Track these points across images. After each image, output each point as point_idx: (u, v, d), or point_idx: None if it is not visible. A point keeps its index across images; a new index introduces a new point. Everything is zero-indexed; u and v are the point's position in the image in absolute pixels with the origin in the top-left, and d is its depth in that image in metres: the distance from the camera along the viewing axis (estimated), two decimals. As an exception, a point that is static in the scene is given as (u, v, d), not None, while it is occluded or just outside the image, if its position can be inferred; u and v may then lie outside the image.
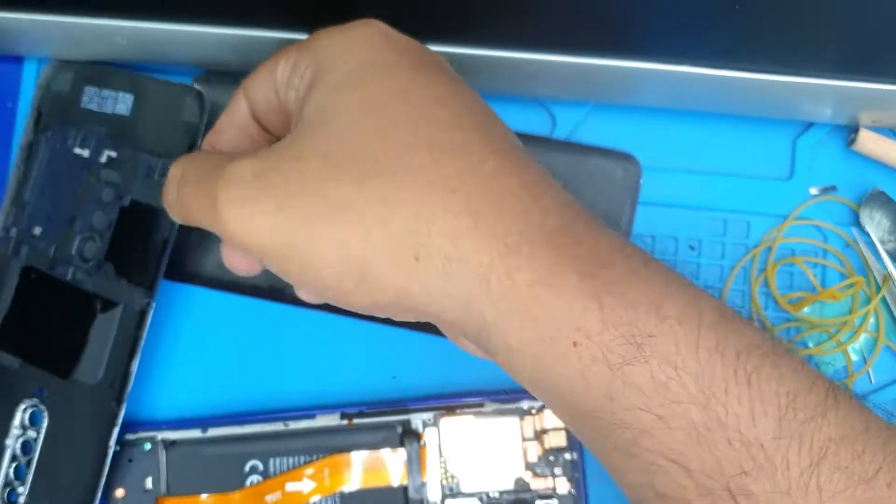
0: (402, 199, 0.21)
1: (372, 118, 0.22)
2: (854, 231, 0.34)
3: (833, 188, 0.34)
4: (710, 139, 0.34)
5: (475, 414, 0.32)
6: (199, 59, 0.32)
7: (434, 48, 0.29)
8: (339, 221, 0.21)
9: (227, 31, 0.29)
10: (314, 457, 0.33)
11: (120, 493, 0.32)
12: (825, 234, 0.34)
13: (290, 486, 0.32)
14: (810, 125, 0.34)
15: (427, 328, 0.32)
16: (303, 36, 0.26)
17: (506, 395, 0.33)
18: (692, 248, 0.34)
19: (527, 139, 0.33)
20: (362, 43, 0.24)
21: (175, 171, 0.25)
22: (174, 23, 0.29)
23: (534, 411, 0.33)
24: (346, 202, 0.21)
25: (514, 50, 0.29)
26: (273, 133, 0.27)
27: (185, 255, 0.33)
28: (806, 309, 0.33)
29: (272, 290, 0.33)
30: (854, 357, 0.33)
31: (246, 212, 0.22)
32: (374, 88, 0.22)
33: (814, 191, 0.34)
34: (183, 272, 0.33)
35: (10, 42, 0.32)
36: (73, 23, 0.29)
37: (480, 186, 0.21)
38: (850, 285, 0.33)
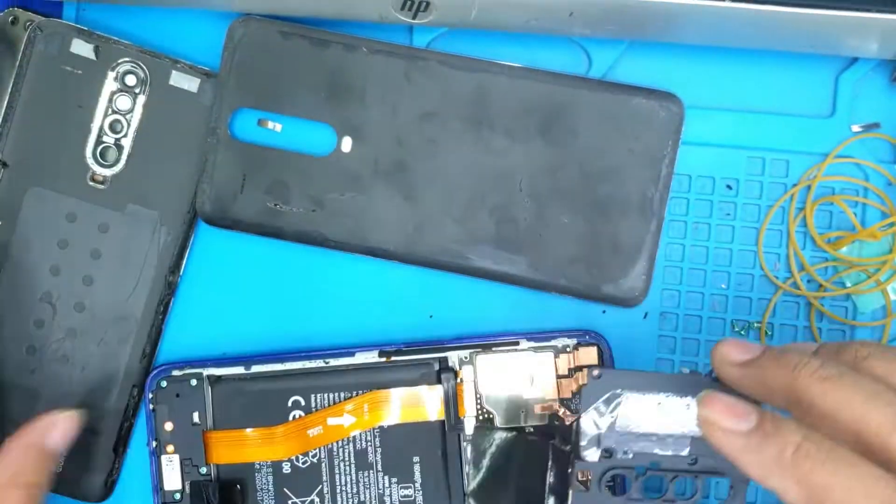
0: None
1: None
2: (897, 169, 0.33)
3: (876, 125, 0.33)
4: (748, 76, 0.34)
5: (510, 352, 0.33)
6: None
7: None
8: None
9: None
10: (354, 393, 0.33)
11: (168, 426, 0.33)
12: (866, 173, 0.33)
13: (331, 421, 0.33)
14: (854, 61, 0.33)
15: (460, 269, 0.33)
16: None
17: (540, 333, 0.33)
18: (729, 187, 0.34)
19: (567, 79, 0.33)
20: None
21: None
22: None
23: (568, 349, 0.33)
24: None
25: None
26: None
27: (226, 203, 0.33)
28: (844, 248, 0.33)
29: (312, 235, 0.33)
30: (893, 297, 0.33)
31: None
32: None
33: (856, 128, 0.33)
34: (224, 219, 0.34)
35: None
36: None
37: None
38: (891, 224, 0.33)
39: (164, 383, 0.33)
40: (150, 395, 0.33)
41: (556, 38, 0.34)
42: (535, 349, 0.33)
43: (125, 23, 0.35)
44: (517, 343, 0.33)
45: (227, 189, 0.33)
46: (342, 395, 0.34)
